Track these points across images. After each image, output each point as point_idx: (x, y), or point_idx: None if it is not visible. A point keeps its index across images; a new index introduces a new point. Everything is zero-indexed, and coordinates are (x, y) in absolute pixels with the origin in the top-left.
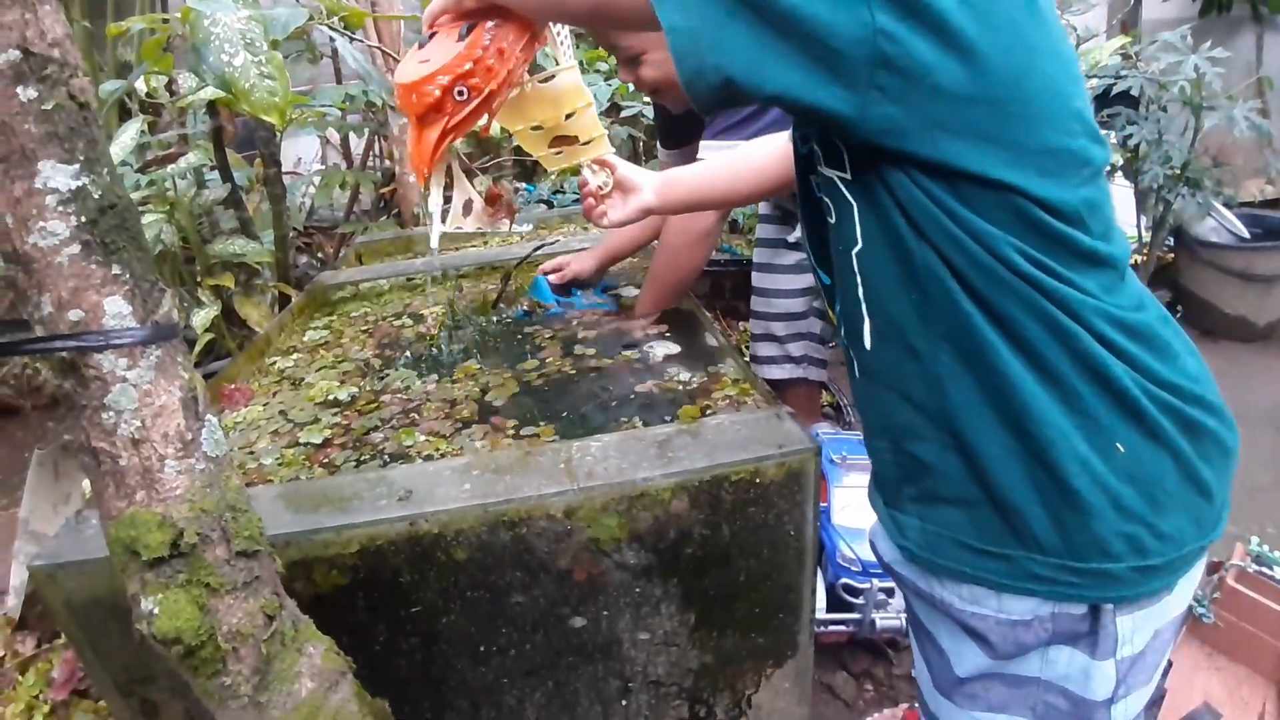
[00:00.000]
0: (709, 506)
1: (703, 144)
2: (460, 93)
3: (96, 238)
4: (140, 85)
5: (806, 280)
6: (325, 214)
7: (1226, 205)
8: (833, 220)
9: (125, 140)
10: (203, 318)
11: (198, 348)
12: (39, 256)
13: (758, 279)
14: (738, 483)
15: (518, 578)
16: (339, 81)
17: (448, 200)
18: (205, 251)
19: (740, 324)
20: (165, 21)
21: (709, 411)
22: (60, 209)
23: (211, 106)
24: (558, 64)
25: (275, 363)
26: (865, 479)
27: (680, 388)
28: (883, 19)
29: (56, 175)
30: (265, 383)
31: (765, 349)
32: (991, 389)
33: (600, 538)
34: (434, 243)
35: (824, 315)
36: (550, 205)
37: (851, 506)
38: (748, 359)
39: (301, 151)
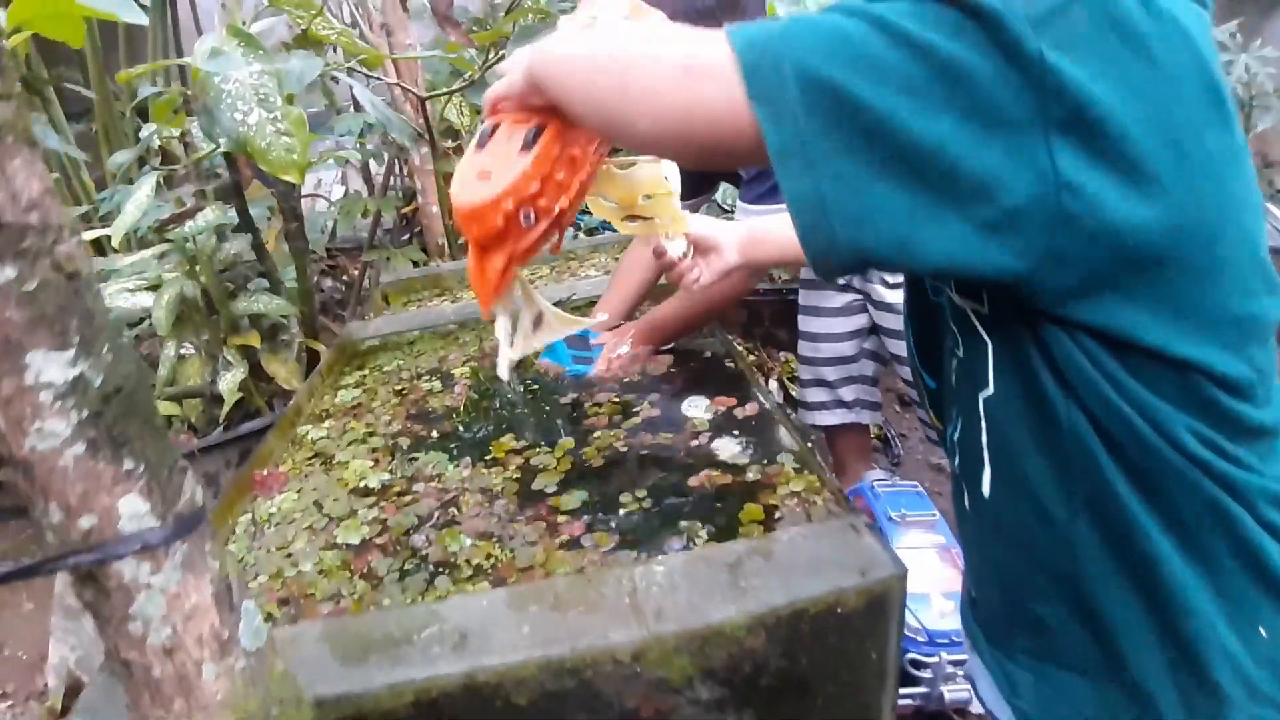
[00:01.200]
0: (786, 639)
1: (741, 206)
2: (527, 217)
3: (102, 431)
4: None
5: (856, 322)
6: (349, 234)
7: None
8: (959, 353)
9: (140, 198)
10: (230, 380)
11: (226, 408)
12: (39, 461)
13: (804, 323)
14: (816, 615)
15: (581, 719)
16: (357, 108)
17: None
18: (229, 309)
19: (781, 354)
20: (181, 69)
21: (777, 516)
22: (57, 404)
23: (229, 158)
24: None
25: (308, 432)
26: (927, 538)
27: (738, 477)
28: (1066, 166)
29: (49, 366)
30: (298, 459)
31: (816, 394)
32: (1134, 567)
33: (670, 677)
34: (504, 374)
35: (875, 355)
36: (577, 228)
37: (914, 568)
38: (796, 399)
39: (322, 173)
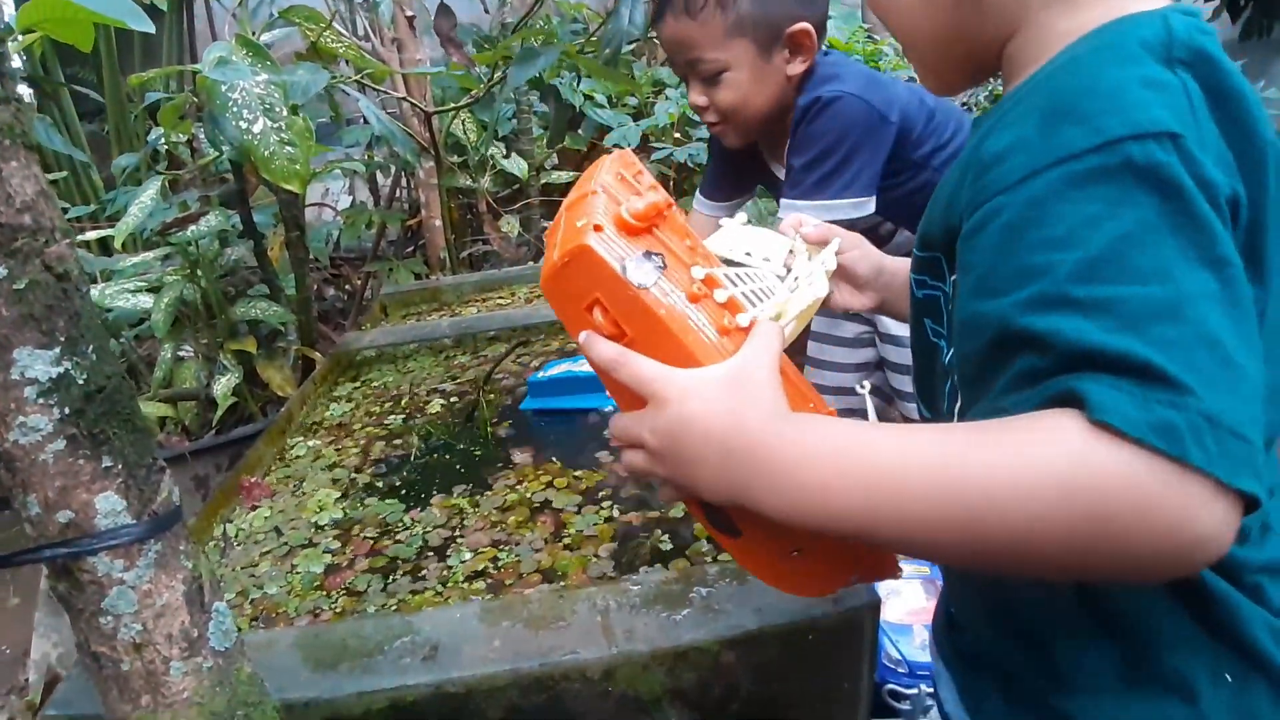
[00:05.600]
0: (757, 663)
1: (785, 202)
2: None
3: (83, 429)
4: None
5: (862, 355)
6: (353, 244)
7: None
8: (958, 405)
9: (145, 200)
10: (224, 385)
11: (219, 412)
12: (20, 455)
13: (814, 349)
14: (788, 638)
15: None
16: (367, 120)
17: None
18: (228, 314)
19: None
20: (195, 75)
21: None
22: (41, 400)
23: (235, 165)
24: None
25: (295, 445)
26: (911, 569)
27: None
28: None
29: (34, 363)
30: (281, 474)
31: None
32: (1107, 619)
33: (640, 696)
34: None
35: (878, 391)
36: None
37: (899, 599)
38: None
39: (329, 183)
